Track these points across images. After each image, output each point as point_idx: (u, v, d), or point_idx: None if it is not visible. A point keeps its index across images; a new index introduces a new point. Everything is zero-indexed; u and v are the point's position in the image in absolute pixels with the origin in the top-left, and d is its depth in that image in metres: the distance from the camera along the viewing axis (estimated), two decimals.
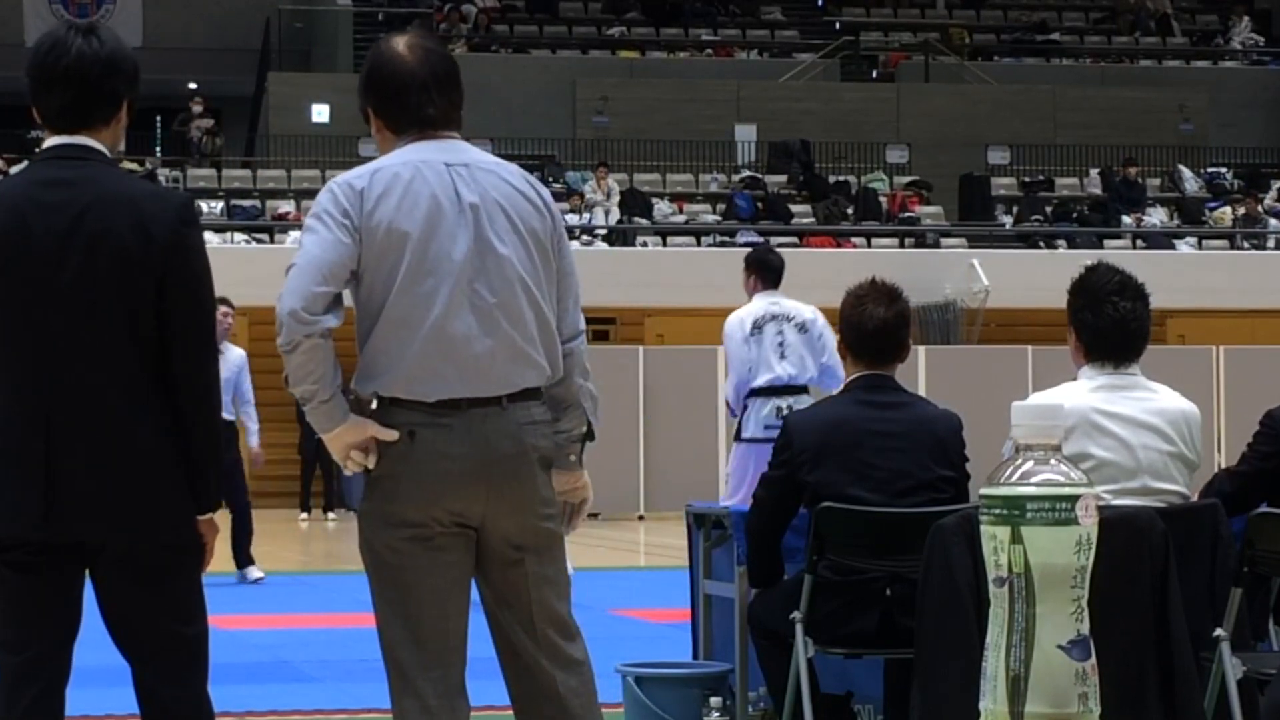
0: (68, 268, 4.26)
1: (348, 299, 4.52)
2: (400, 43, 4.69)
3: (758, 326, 11.63)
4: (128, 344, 4.27)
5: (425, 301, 4.47)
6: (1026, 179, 32.79)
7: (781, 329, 11.61)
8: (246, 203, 30.22)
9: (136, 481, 4.27)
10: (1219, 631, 5.40)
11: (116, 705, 8.15)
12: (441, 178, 4.54)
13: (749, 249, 14.17)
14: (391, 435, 4.47)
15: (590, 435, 4.72)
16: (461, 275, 4.49)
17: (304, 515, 25.75)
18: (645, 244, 29.73)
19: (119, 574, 4.30)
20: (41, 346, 4.27)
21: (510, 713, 4.68)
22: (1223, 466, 22.65)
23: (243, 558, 15.26)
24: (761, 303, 11.77)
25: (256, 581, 15.10)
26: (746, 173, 32.05)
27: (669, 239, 30.13)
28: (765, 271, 11.93)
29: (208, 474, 4.36)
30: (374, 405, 4.54)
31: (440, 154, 4.58)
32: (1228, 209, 32.04)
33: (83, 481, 4.24)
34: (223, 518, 5.79)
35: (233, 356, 14.64)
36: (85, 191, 4.31)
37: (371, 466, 4.51)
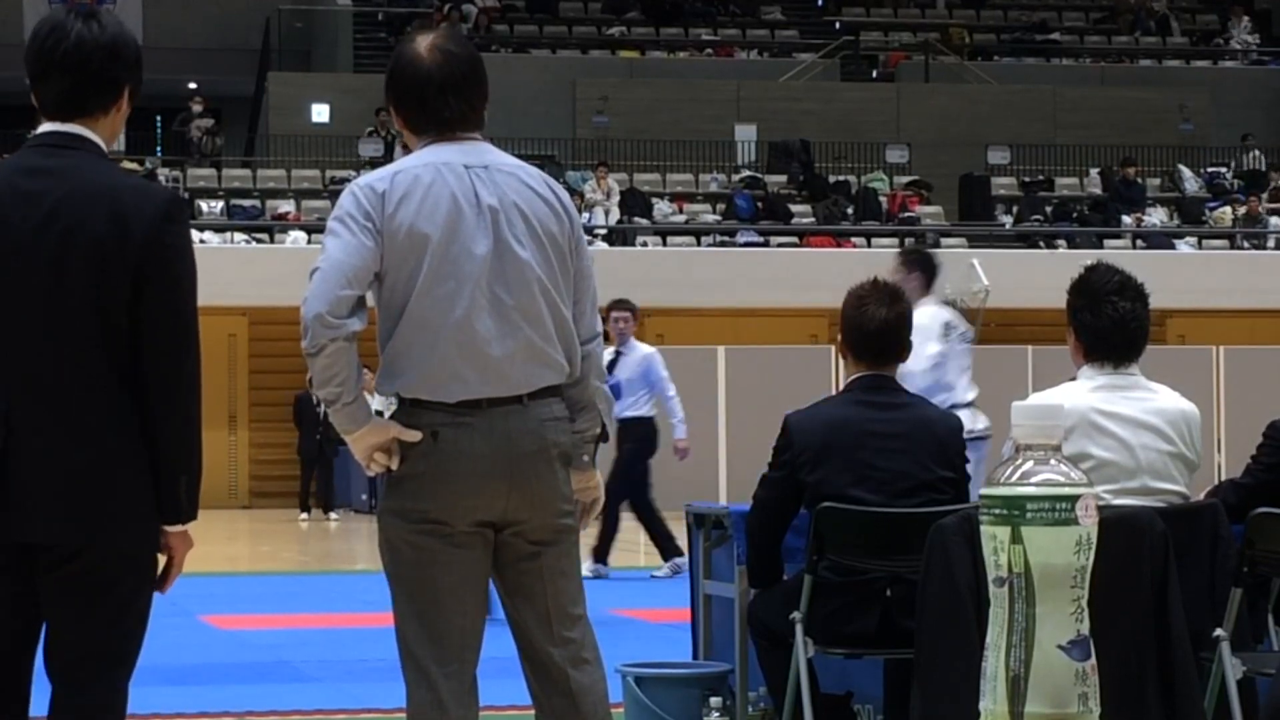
0: (39, 260, 4.10)
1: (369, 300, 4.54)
2: (422, 44, 4.69)
3: None
4: (97, 343, 4.11)
5: (446, 303, 4.50)
6: (1026, 179, 32.80)
7: None
8: (246, 203, 30.23)
9: (96, 484, 4.09)
10: (1219, 631, 5.40)
11: None
12: (461, 180, 4.57)
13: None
14: (414, 436, 4.51)
15: (604, 436, 4.75)
16: (481, 278, 4.52)
17: (304, 515, 25.75)
18: (645, 244, 29.74)
19: (64, 575, 4.11)
20: (8, 341, 4.11)
21: (517, 713, 4.70)
22: (1222, 466, 22.47)
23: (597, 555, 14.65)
24: None
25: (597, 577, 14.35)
26: (746, 173, 32.06)
27: (669, 239, 30.15)
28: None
29: (177, 482, 4.15)
30: (395, 405, 4.57)
31: (460, 156, 4.61)
32: (1228, 209, 32.05)
33: (39, 481, 4.07)
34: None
35: (637, 355, 14.57)
36: (64, 182, 4.14)
37: (394, 467, 4.53)
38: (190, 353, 4.18)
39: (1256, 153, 34.21)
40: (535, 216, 4.60)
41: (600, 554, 14.75)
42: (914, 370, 11.39)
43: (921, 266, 11.52)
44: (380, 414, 4.67)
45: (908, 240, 30.42)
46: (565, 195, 4.73)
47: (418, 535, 4.53)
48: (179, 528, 4.20)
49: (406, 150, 4.77)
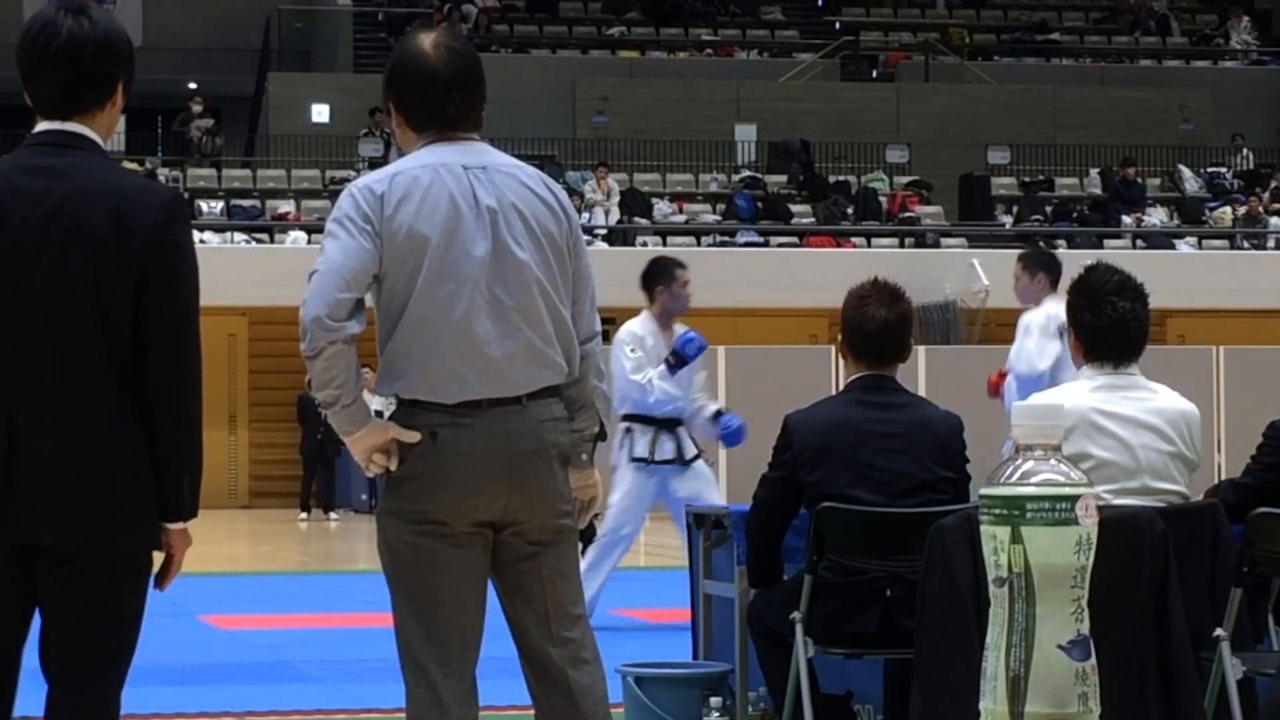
0: (42, 261, 4.08)
1: (368, 301, 4.54)
2: (426, 40, 4.68)
3: None
4: (99, 343, 4.09)
5: (445, 305, 4.50)
6: (1026, 179, 32.81)
7: None
8: (246, 203, 30.23)
9: (97, 485, 4.08)
10: (1219, 631, 5.40)
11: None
12: (460, 181, 4.56)
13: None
14: (413, 437, 4.50)
15: (602, 435, 4.75)
16: (480, 279, 4.52)
17: (303, 515, 25.72)
18: (645, 244, 29.73)
19: (64, 575, 4.09)
20: (10, 342, 4.08)
21: (517, 713, 4.70)
22: (1222, 466, 22.34)
23: None
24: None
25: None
26: (746, 173, 32.06)
27: (669, 239, 30.14)
28: None
29: (180, 482, 4.15)
30: (394, 406, 4.57)
31: (459, 156, 4.60)
32: (1228, 209, 32.05)
33: (40, 482, 4.05)
34: None
35: None
36: (66, 181, 4.11)
37: (393, 468, 4.53)
38: (192, 351, 4.16)
39: (1246, 152, 34.17)
40: (534, 217, 4.60)
41: None
42: (1038, 369, 11.28)
43: (1045, 267, 11.49)
44: (380, 414, 4.67)
45: (908, 240, 30.45)
46: (564, 195, 4.73)
47: (417, 536, 4.53)
48: (180, 525, 4.19)
49: (400, 151, 4.76)
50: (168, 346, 4.13)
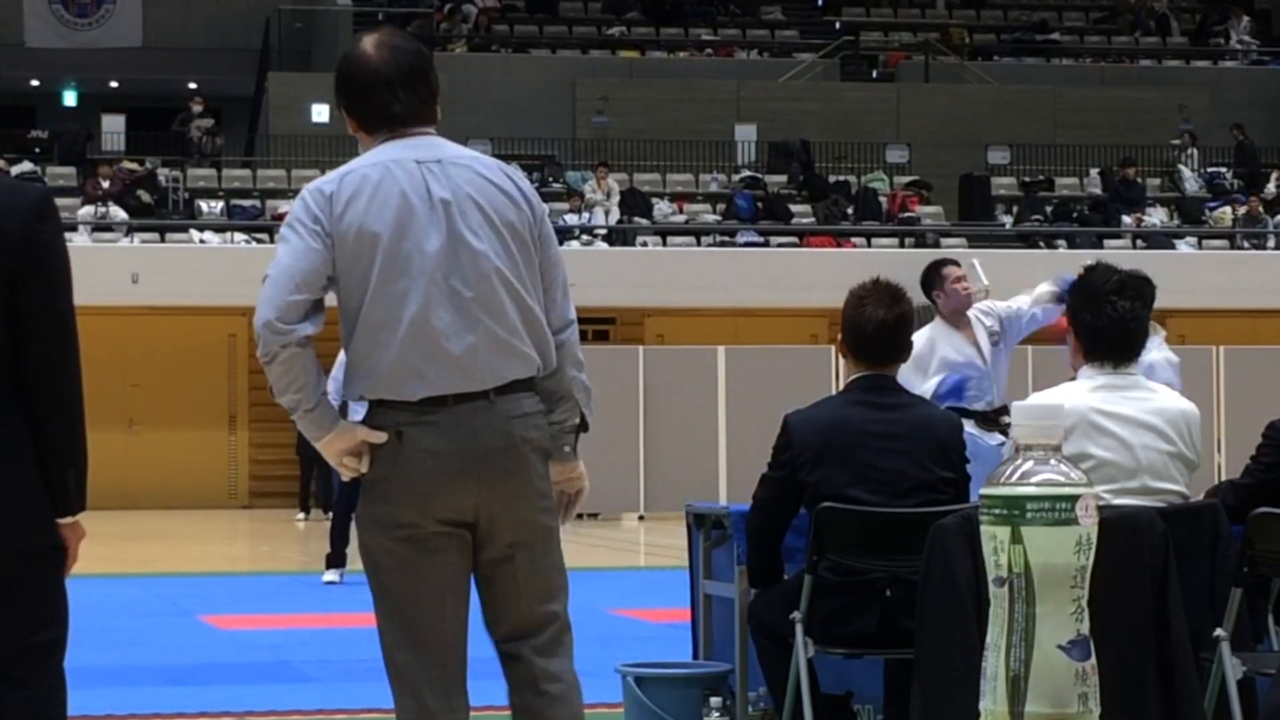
0: None
1: (330, 301, 4.52)
2: (368, 42, 4.68)
3: None
4: None
5: (400, 301, 4.46)
6: (1026, 179, 32.80)
7: None
8: (246, 203, 30.21)
9: None
10: (1219, 631, 5.40)
11: (111, 706, 8.15)
12: (412, 176, 4.54)
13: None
14: (380, 437, 4.47)
15: (584, 426, 4.70)
16: (435, 272, 4.47)
17: (301, 515, 25.66)
18: (645, 244, 29.74)
19: None
20: None
21: (511, 713, 4.68)
22: (1222, 466, 22.31)
23: None
24: None
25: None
26: (746, 173, 32.05)
27: (669, 239, 30.15)
28: None
29: (65, 476, 4.18)
30: (364, 408, 4.55)
31: (412, 152, 4.58)
32: (1228, 209, 32.04)
33: None
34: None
35: None
36: None
37: (364, 470, 4.50)
38: (71, 346, 4.20)
39: (1192, 150, 34.04)
40: (491, 207, 4.55)
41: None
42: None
43: None
44: None
45: (908, 240, 30.43)
46: (526, 184, 4.68)
47: (392, 542, 4.48)
48: (70, 519, 4.23)
49: None
50: (46, 343, 4.17)
